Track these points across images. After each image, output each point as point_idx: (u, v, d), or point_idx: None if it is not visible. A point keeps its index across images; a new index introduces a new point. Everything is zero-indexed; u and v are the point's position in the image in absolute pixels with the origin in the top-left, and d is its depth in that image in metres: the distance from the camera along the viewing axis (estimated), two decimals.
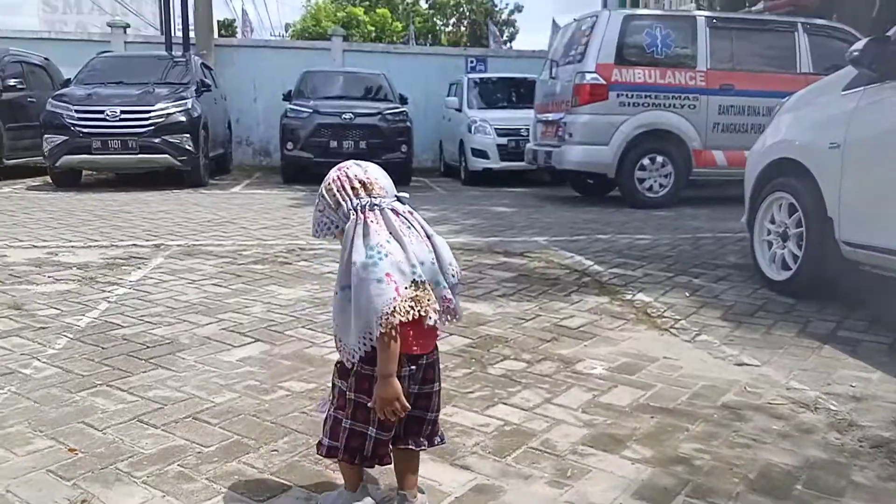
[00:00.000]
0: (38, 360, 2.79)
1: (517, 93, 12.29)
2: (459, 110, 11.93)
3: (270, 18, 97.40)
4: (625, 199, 8.36)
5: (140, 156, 9.25)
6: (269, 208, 7.79)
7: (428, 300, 1.57)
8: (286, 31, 43.69)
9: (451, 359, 2.89)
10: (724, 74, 8.10)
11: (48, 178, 9.83)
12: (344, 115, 10.47)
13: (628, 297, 3.95)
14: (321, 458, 1.75)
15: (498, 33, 26.16)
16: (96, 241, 5.49)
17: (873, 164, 3.45)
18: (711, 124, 8.12)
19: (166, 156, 9.30)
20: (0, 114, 10.08)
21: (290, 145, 10.53)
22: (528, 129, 10.11)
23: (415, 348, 1.62)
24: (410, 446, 1.71)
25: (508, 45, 36.31)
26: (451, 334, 3.21)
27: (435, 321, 1.61)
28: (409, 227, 1.63)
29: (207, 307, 3.62)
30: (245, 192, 9.75)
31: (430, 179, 12.51)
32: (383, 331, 1.50)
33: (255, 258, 4.88)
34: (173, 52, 12.30)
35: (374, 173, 1.66)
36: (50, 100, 9.49)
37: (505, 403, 2.45)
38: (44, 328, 3.21)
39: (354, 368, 1.62)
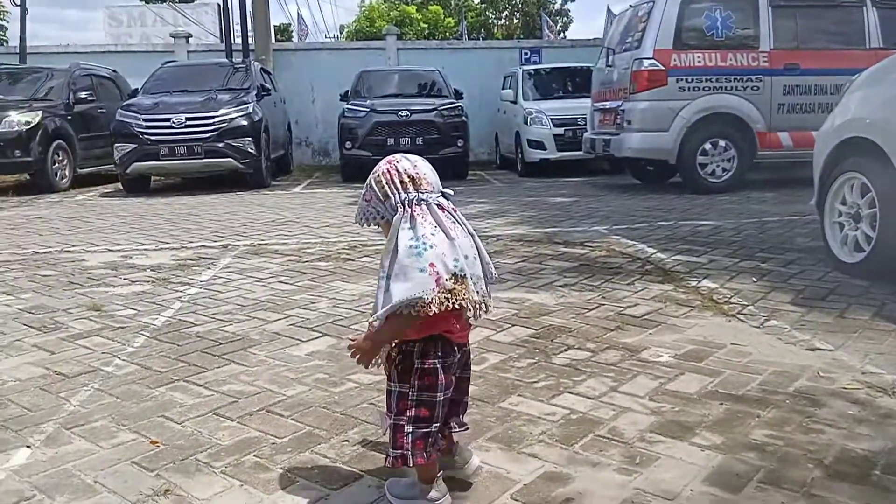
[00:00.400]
0: (119, 358, 2.93)
1: (573, 82, 12.18)
2: (515, 102, 11.89)
3: (325, 21, 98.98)
4: (686, 185, 8.20)
5: (205, 160, 9.55)
6: (330, 207, 7.93)
7: (465, 294, 1.60)
8: (341, 33, 44.26)
9: (514, 349, 2.90)
10: (788, 54, 7.84)
11: (119, 185, 10.23)
12: (400, 113, 10.57)
13: (693, 283, 3.89)
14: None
15: (551, 23, 25.92)
16: (167, 243, 5.69)
17: None
18: (776, 105, 7.88)
19: (230, 159, 9.57)
20: (73, 125, 10.55)
21: (348, 144, 10.69)
22: (584, 118, 10.01)
23: (461, 336, 1.70)
24: (456, 429, 1.81)
25: (562, 35, 35.93)
26: (513, 325, 3.22)
27: (477, 311, 1.67)
28: (454, 223, 1.67)
29: (275, 304, 3.72)
30: (306, 191, 9.94)
31: (487, 172, 12.51)
32: (414, 314, 1.54)
33: (318, 255, 4.98)
34: (233, 59, 12.64)
35: (422, 168, 1.70)
36: (119, 110, 9.88)
37: (570, 392, 2.44)
38: (122, 328, 3.36)
39: (415, 366, 1.66)
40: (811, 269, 4.14)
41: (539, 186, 9.68)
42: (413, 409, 1.65)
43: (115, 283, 4.31)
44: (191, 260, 4.98)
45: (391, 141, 10.48)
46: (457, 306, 1.59)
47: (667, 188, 8.70)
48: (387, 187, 1.66)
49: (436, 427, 1.67)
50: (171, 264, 4.84)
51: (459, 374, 1.75)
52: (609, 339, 3.00)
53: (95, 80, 11.57)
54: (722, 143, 7.94)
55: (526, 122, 11.16)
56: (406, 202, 1.64)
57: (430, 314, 1.55)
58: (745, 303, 3.48)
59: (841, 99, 4.32)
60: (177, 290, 4.10)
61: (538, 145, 11.00)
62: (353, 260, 4.83)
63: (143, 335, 3.23)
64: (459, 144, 10.74)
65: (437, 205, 1.66)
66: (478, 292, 1.66)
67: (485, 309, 1.70)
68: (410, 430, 1.65)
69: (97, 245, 5.68)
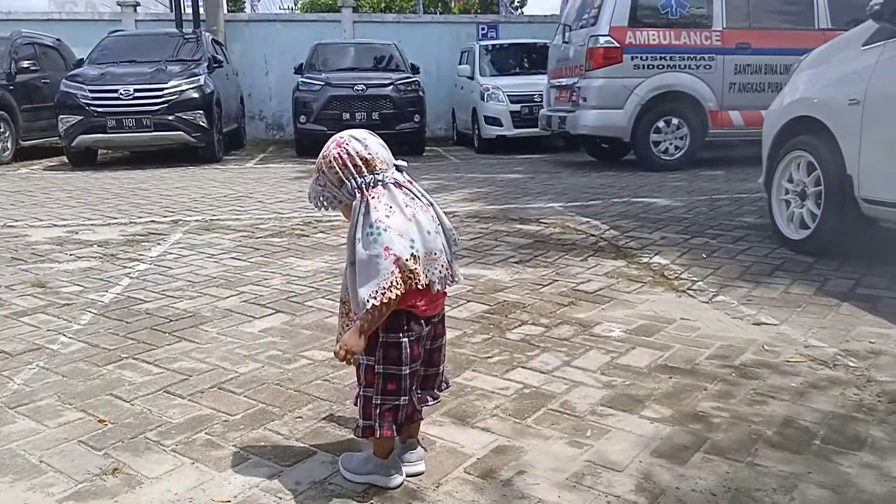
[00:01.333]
0: (65, 335, 2.85)
1: (529, 59, 12.16)
2: (471, 78, 11.83)
3: None
4: (640, 163, 8.29)
5: (154, 133, 9.30)
6: (284, 182, 7.82)
7: (426, 271, 1.63)
8: (295, 4, 43.35)
9: (469, 325, 2.91)
10: (740, 33, 7.95)
11: (65, 158, 9.92)
12: (356, 87, 10.43)
13: (645, 259, 3.95)
14: (348, 427, 1.76)
15: None
16: (115, 218, 5.55)
17: (894, 120, 3.39)
18: (728, 84, 7.99)
19: (180, 132, 9.34)
20: (15, 96, 10.15)
21: (302, 118, 10.53)
22: (541, 95, 10.02)
23: (426, 311, 1.69)
24: (430, 402, 1.83)
25: (520, 11, 35.81)
26: (469, 301, 3.23)
27: (443, 284, 1.69)
28: (412, 199, 1.67)
29: (228, 280, 3.67)
30: (259, 166, 9.77)
31: (444, 148, 12.47)
32: (377, 304, 1.55)
33: (272, 231, 4.92)
34: (184, 30, 12.28)
35: (373, 148, 1.67)
36: (64, 80, 9.54)
37: (524, 367, 2.47)
38: (68, 305, 3.27)
39: (380, 340, 1.65)
40: (759, 245, 4.24)
41: (495, 163, 9.70)
42: (380, 381, 1.67)
43: (60, 259, 4.19)
44: (140, 235, 4.87)
45: (347, 115, 10.34)
46: (419, 286, 1.61)
47: (621, 165, 8.79)
48: (340, 173, 1.64)
49: (405, 400, 1.69)
50: (119, 240, 4.73)
51: (430, 345, 1.76)
52: (562, 315, 3.03)
53: (38, 49, 11.13)
54: (675, 121, 8.04)
55: (483, 99, 11.12)
56: (363, 185, 1.63)
57: (392, 297, 1.56)
58: (695, 279, 3.55)
59: (790, 78, 4.40)
60: (125, 267, 4.00)
61: (495, 122, 10.99)
62: (307, 236, 4.77)
63: (89, 312, 3.15)
64: (416, 120, 10.68)
65: (394, 182, 1.65)
66: (442, 265, 1.68)
67: (451, 280, 1.72)
68: (379, 402, 1.68)
69: (41, 220, 5.51)
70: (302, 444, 1.94)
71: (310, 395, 2.26)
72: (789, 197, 4.19)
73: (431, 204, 1.70)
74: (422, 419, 1.85)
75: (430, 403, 1.83)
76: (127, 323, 3.00)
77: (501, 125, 10.92)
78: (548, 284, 3.51)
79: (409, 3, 36.22)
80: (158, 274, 3.82)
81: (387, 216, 1.59)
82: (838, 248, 3.85)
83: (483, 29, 15.03)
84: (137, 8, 14.73)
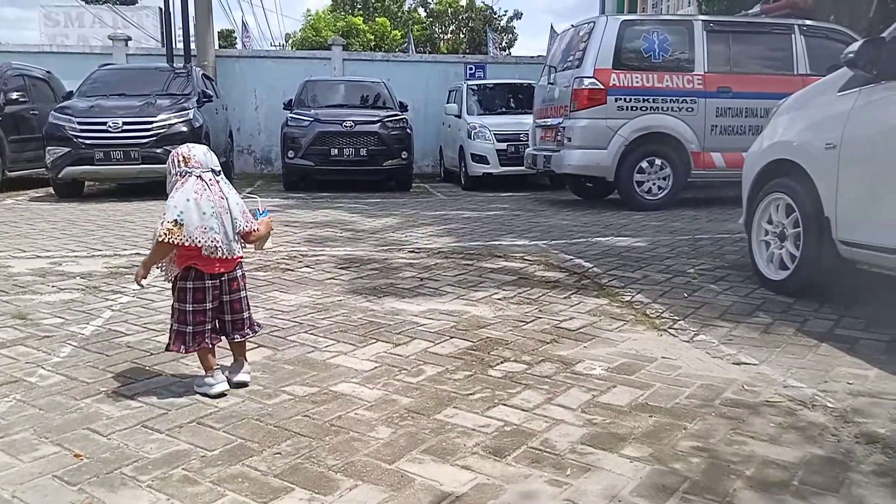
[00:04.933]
0: (44, 368, 2.83)
1: (516, 98, 12.34)
2: (459, 116, 11.98)
3: (271, 29, 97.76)
4: (624, 202, 8.39)
5: (142, 166, 9.31)
6: (271, 217, 7.81)
7: (179, 235, 2.40)
8: (286, 42, 43.87)
9: (452, 361, 2.92)
10: (721, 77, 8.13)
11: (51, 190, 9.89)
12: (344, 123, 10.52)
13: (627, 298, 3.98)
14: (328, 463, 1.78)
15: (497, 40, 26.24)
16: (99, 250, 5.53)
17: (869, 164, 3.47)
18: (709, 127, 8.15)
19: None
20: (3, 126, 10.15)
21: (291, 153, 10.58)
22: (527, 134, 10.15)
23: (205, 268, 2.48)
24: (236, 338, 2.62)
25: (507, 51, 36.41)
26: (452, 337, 3.24)
27: (211, 252, 2.44)
28: (206, 187, 2.47)
29: None
30: (247, 199, 9.76)
31: (431, 185, 12.56)
32: (158, 239, 2.41)
33: (257, 265, 4.91)
34: (174, 64, 12.38)
35: (195, 152, 2.53)
36: (52, 112, 9.56)
37: (505, 404, 2.47)
38: (48, 337, 3.25)
39: (177, 286, 2.52)
40: (739, 285, 4.29)
41: (482, 200, 9.77)
42: (175, 314, 2.53)
43: (42, 291, 4.16)
44: (124, 268, 4.85)
45: (335, 151, 10.41)
46: (175, 242, 2.40)
47: (605, 204, 8.89)
48: (169, 164, 2.53)
49: (190, 329, 2.50)
50: (102, 272, 4.70)
51: (229, 297, 2.57)
52: (545, 352, 3.04)
53: (28, 80, 11.18)
54: (658, 161, 8.16)
55: (470, 137, 11.25)
56: (178, 173, 2.49)
57: (160, 240, 2.39)
58: (677, 317, 3.58)
59: (769, 122, 4.50)
60: (108, 299, 3.98)
61: (481, 159, 11.10)
62: (291, 270, 4.78)
63: (70, 344, 3.13)
64: (403, 156, 10.76)
65: (198, 177, 2.48)
66: (214, 239, 2.43)
67: (223, 253, 2.47)
68: (175, 329, 2.52)
69: (25, 251, 5.48)
70: (280, 481, 1.93)
71: (289, 430, 2.25)
72: (769, 238, 4.25)
73: (226, 198, 2.51)
74: (207, 347, 2.54)
75: (238, 339, 2.61)
76: (107, 356, 2.98)
77: (488, 163, 11.03)
78: (531, 321, 3.53)
79: (400, 43, 36.76)
80: (141, 307, 3.80)
81: (179, 195, 2.43)
82: (817, 289, 3.91)
83: (471, 69, 15.26)
84: (129, 42, 14.86)
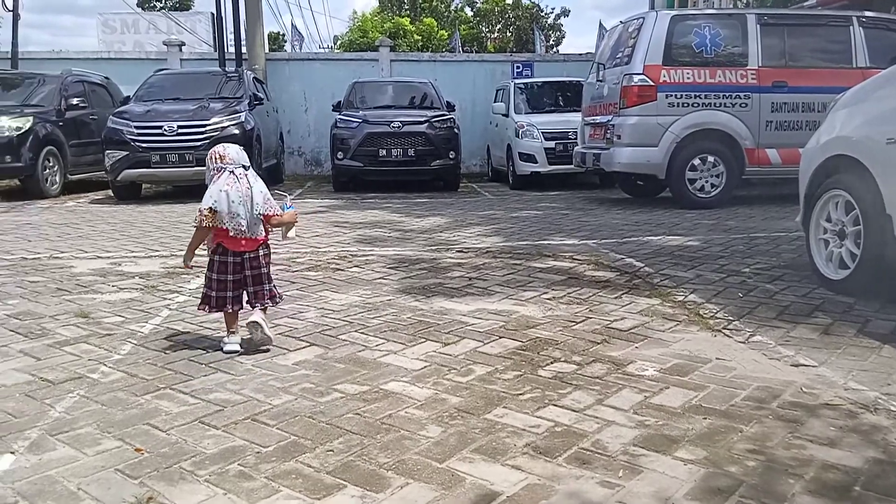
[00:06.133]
0: (105, 365, 2.92)
1: (564, 96, 12.25)
2: (506, 115, 11.95)
3: (319, 32, 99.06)
4: (675, 201, 8.26)
5: (197, 168, 9.49)
6: (321, 216, 7.93)
7: (213, 220, 2.94)
8: (335, 44, 44.36)
9: (501, 361, 2.91)
10: (776, 71, 7.94)
11: (110, 192, 10.20)
12: (393, 124, 10.59)
13: (680, 298, 3.92)
14: (379, 461, 1.79)
15: (544, 38, 26.07)
16: (157, 251, 5.68)
17: None
18: (764, 122, 7.96)
19: None
20: (64, 131, 10.52)
21: (340, 155, 10.70)
22: (575, 132, 10.07)
23: (230, 246, 3.00)
24: (257, 307, 3.07)
25: (555, 49, 36.16)
26: (501, 337, 3.24)
27: (237, 233, 2.97)
28: (236, 180, 2.99)
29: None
30: (297, 201, 9.91)
31: (478, 184, 12.55)
32: (194, 225, 3.01)
33: (308, 265, 4.99)
34: (227, 68, 12.64)
35: (229, 151, 3.07)
36: (111, 117, 9.87)
37: (556, 405, 2.46)
38: (109, 335, 3.35)
39: (210, 259, 3.06)
40: (797, 285, 4.17)
41: (530, 199, 9.72)
42: (206, 280, 3.07)
43: (103, 290, 4.30)
44: (180, 268, 4.96)
45: (383, 152, 10.50)
46: (210, 225, 2.95)
47: (656, 203, 8.75)
48: (208, 161, 3.06)
49: (217, 294, 3.02)
50: (160, 272, 4.84)
51: (251, 272, 3.05)
52: (595, 353, 3.02)
53: (87, 86, 11.56)
54: (711, 158, 8.00)
55: (517, 136, 11.21)
56: (214, 168, 3.03)
57: (200, 227, 2.96)
58: (731, 318, 3.51)
59: (827, 117, 4.37)
60: (165, 298, 4.09)
61: (529, 158, 11.05)
62: (342, 270, 4.83)
63: (130, 342, 3.22)
64: (451, 156, 10.78)
65: (230, 172, 3.00)
66: (239, 223, 2.96)
67: (247, 234, 2.99)
68: (204, 292, 3.07)
69: (86, 252, 5.66)
70: (332, 478, 1.95)
71: (341, 428, 2.28)
72: (828, 236, 4.13)
73: (251, 187, 2.99)
74: (229, 311, 3.06)
75: (263, 307, 3.08)
76: (165, 354, 3.06)
77: (536, 162, 10.98)
78: (581, 321, 3.50)
79: (447, 43, 36.82)
80: (197, 306, 3.89)
81: (211, 186, 3.00)
82: (879, 289, 3.78)
83: (518, 67, 15.20)
84: (183, 47, 15.23)
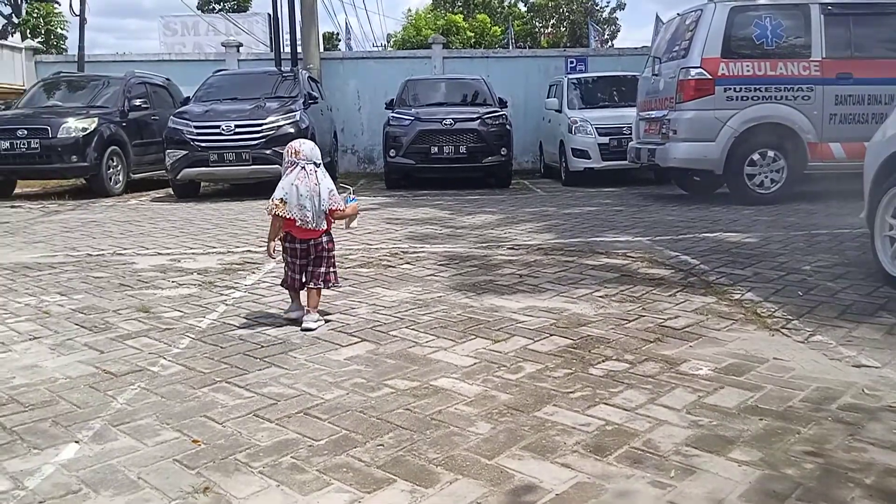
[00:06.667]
0: (165, 358, 3.01)
1: (619, 91, 12.07)
2: (559, 111, 11.84)
3: (373, 30, 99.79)
4: (733, 197, 8.06)
5: (253, 167, 9.73)
6: (373, 214, 8.00)
7: (283, 209, 3.33)
8: (388, 42, 44.68)
9: (551, 359, 2.90)
10: (840, 63, 7.66)
11: (170, 191, 10.49)
12: (444, 121, 10.61)
13: (737, 296, 3.83)
14: (428, 456, 1.81)
15: (598, 32, 25.75)
16: (214, 248, 5.82)
17: None
18: (828, 115, 7.70)
19: (277, 166, 9.66)
20: (127, 131, 10.87)
21: (392, 152, 10.77)
22: (630, 127, 9.92)
23: (296, 234, 3.44)
24: (310, 285, 3.49)
25: (610, 43, 35.67)
26: (552, 335, 3.22)
27: (303, 223, 3.36)
28: (306, 175, 3.38)
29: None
30: (344, 189, 10.02)
31: (530, 181, 12.48)
32: (267, 213, 3.43)
33: (360, 262, 5.04)
34: (282, 68, 12.86)
35: (304, 147, 3.48)
36: (171, 117, 10.14)
37: (607, 403, 2.43)
38: (169, 329, 3.46)
39: (283, 244, 3.50)
40: (860, 283, 4.04)
41: (582, 196, 9.63)
42: (284, 262, 3.56)
43: (163, 286, 4.43)
44: (237, 264, 5.09)
45: (435, 149, 10.52)
46: (280, 214, 3.34)
47: (713, 199, 8.56)
48: (285, 155, 3.47)
49: (290, 272, 3.53)
50: (217, 268, 4.96)
51: (313, 256, 3.49)
52: (648, 351, 2.97)
53: (149, 87, 11.90)
54: (771, 153, 7.78)
55: (570, 131, 11.10)
56: (289, 162, 3.43)
57: (270, 214, 3.40)
58: (790, 317, 3.41)
59: (894, 109, 4.21)
60: (222, 294, 4.19)
61: (582, 154, 10.93)
62: (393, 267, 4.87)
63: (188, 337, 3.32)
64: (503, 153, 10.74)
65: (302, 167, 3.39)
66: (305, 214, 3.34)
67: (312, 225, 3.38)
68: (284, 270, 3.57)
69: (147, 248, 5.84)
70: (382, 472, 1.98)
71: (391, 423, 2.30)
72: (893, 233, 3.98)
73: (319, 183, 3.38)
74: (294, 289, 3.58)
75: (311, 287, 3.48)
76: (221, 348, 3.14)
77: (589, 158, 10.85)
78: (633, 320, 3.45)
79: (500, 39, 36.70)
80: (252, 301, 3.98)
81: (286, 179, 3.39)
82: None
83: (572, 62, 15.04)
84: (240, 48, 15.56)
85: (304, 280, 3.50)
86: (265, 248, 3.70)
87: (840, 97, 7.67)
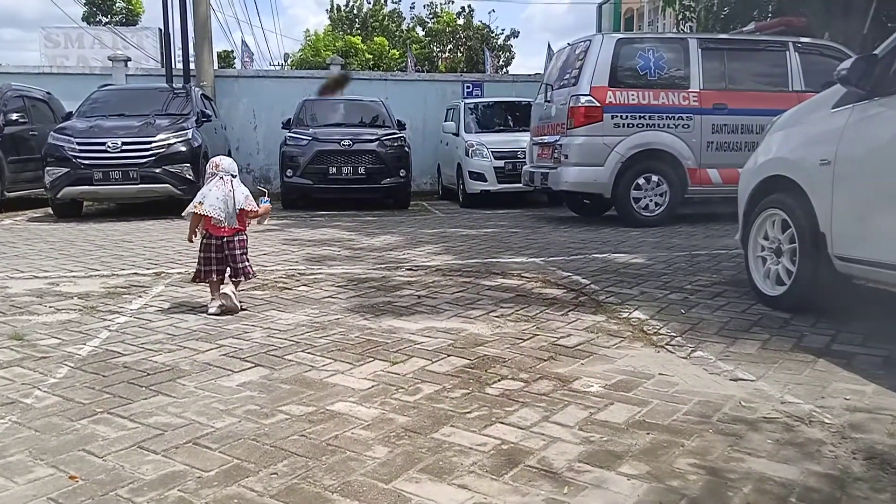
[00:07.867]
0: (40, 389, 2.82)
1: (513, 116, 12.40)
2: (457, 134, 12.03)
3: (270, 49, 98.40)
4: (621, 219, 8.42)
5: (141, 186, 9.33)
6: (268, 235, 7.84)
7: (204, 208, 3.96)
8: (286, 62, 44.10)
9: (449, 379, 2.91)
10: (716, 94, 8.19)
11: (49, 210, 9.91)
12: (343, 142, 10.57)
13: (624, 315, 3.98)
14: (324, 484, 1.77)
15: (494, 58, 26.38)
16: (97, 270, 5.53)
17: (863, 180, 3.49)
18: (705, 143, 8.19)
19: (167, 185, 9.38)
20: (2, 147, 10.21)
21: (289, 172, 10.62)
22: (524, 151, 10.20)
23: (213, 231, 4.04)
24: (234, 277, 4.14)
25: (504, 69, 36.63)
26: (449, 355, 3.24)
27: (218, 222, 4.01)
28: (224, 184, 4.06)
29: (208, 333, 3.65)
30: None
31: (429, 203, 12.58)
32: (185, 215, 4.13)
33: (254, 284, 4.91)
34: (174, 84, 12.45)
35: (223, 161, 4.19)
36: (51, 133, 9.60)
37: (502, 423, 2.47)
38: (45, 358, 3.24)
39: (202, 240, 4.12)
40: (736, 301, 4.29)
41: (479, 217, 9.79)
42: (198, 257, 4.13)
43: (39, 312, 4.16)
44: (122, 288, 4.85)
45: (333, 169, 10.45)
46: (197, 212, 3.97)
47: (602, 221, 8.91)
48: (207, 169, 4.18)
49: (204, 268, 4.08)
50: (100, 292, 4.71)
51: (230, 252, 4.08)
52: (542, 370, 3.04)
53: (28, 101, 11.24)
54: (655, 178, 8.19)
55: (467, 154, 11.30)
56: (210, 175, 4.11)
57: (186, 216, 4.08)
58: (674, 334, 3.58)
59: (764, 138, 4.53)
60: (105, 319, 3.98)
61: (479, 177, 11.13)
62: (289, 289, 4.78)
63: (66, 365, 3.12)
64: (402, 174, 10.80)
65: (220, 177, 4.07)
66: (220, 215, 3.99)
67: (225, 223, 4.03)
68: (196, 267, 4.14)
69: (22, 271, 5.48)
70: (276, 501, 1.92)
71: (286, 450, 2.24)
72: (765, 254, 4.26)
73: (233, 190, 4.05)
74: (211, 282, 4.13)
75: (236, 280, 4.15)
76: (103, 376, 2.97)
77: (486, 180, 11.07)
78: (528, 339, 3.53)
79: (398, 62, 36.97)
80: (138, 327, 3.80)
81: (205, 187, 4.08)
82: (814, 305, 3.91)
83: (468, 87, 15.33)
84: (128, 63, 14.94)
85: (218, 272, 4.10)
86: (185, 237, 4.39)
87: (716, 126, 8.19)
